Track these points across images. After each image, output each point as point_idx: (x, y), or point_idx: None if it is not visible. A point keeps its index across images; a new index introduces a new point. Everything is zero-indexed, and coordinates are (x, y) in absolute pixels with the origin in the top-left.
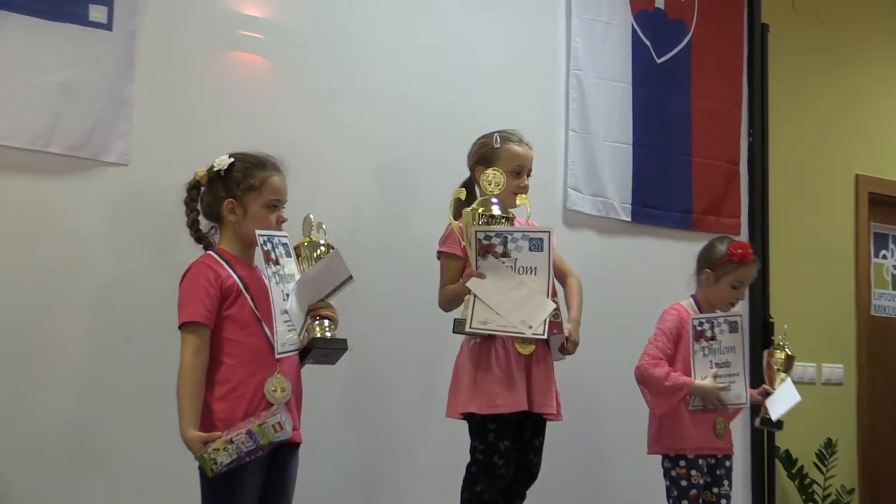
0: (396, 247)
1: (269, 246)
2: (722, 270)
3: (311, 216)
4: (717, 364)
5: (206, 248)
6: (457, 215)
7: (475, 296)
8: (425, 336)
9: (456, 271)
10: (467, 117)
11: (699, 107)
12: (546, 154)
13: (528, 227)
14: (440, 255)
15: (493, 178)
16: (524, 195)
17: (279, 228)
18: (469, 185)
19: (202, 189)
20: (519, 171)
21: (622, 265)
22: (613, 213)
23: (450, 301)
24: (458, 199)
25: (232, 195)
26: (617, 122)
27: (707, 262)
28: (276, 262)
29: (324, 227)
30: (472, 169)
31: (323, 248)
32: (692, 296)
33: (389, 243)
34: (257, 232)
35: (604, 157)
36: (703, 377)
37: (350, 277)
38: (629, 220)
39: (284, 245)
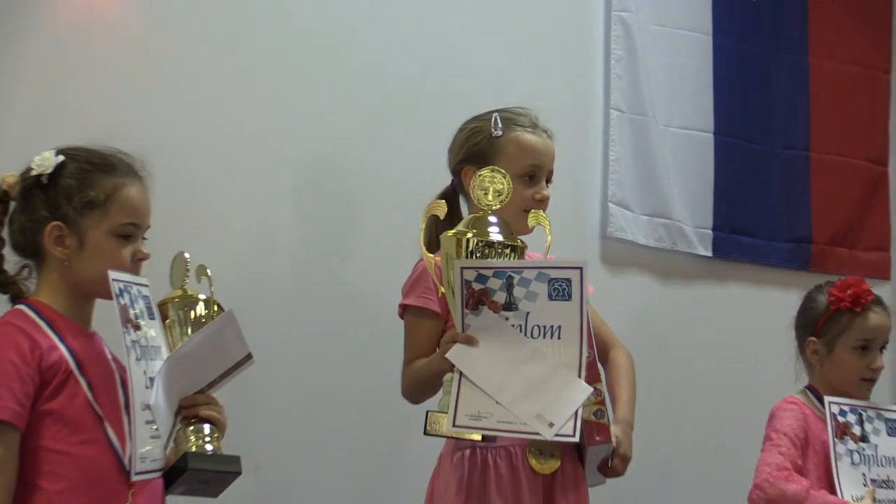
0: (328, 298)
1: (125, 298)
2: (832, 331)
3: (187, 255)
4: (872, 480)
5: (14, 299)
6: (432, 245)
7: (461, 374)
8: (373, 437)
9: (430, 336)
10: (444, 92)
11: (822, 71)
12: (574, 148)
13: (548, 261)
14: (404, 310)
15: (490, 183)
16: (541, 212)
17: (136, 270)
18: (451, 196)
19: (10, 206)
20: (533, 174)
21: (696, 329)
22: (683, 244)
23: (420, 385)
24: (432, 219)
25: (60, 215)
26: (689, 96)
27: (808, 327)
28: (137, 327)
29: (209, 272)
30: (456, 172)
31: (205, 308)
32: (807, 387)
33: (317, 292)
34: (111, 275)
35: (667, 152)
36: (854, 498)
37: (249, 357)
38: (709, 254)
39: (146, 299)
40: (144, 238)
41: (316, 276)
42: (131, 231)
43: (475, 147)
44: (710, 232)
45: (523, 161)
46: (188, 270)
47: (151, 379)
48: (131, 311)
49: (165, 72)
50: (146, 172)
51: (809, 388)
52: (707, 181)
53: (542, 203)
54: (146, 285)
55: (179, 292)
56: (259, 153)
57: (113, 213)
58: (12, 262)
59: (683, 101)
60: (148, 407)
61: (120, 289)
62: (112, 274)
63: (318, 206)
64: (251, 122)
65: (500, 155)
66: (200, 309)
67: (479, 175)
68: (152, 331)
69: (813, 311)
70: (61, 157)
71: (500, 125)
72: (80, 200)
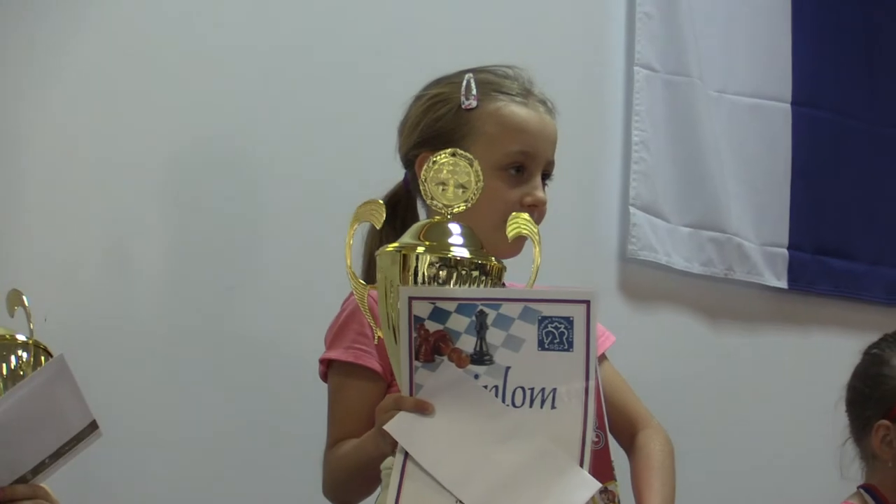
0: (206, 345)
1: None
2: None
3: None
4: None
5: None
6: (368, 269)
7: (405, 458)
8: None
9: (365, 406)
10: (392, 51)
11: None
12: (579, 127)
13: (540, 291)
14: (327, 368)
15: (451, 174)
16: (524, 215)
17: None
18: (402, 199)
19: None
20: (521, 165)
21: (759, 397)
22: (744, 269)
23: (347, 478)
24: (369, 233)
25: None
26: (757, 50)
27: (878, 404)
28: None
29: (26, 301)
30: (408, 161)
31: (26, 354)
32: (863, 487)
33: (191, 336)
34: None
35: (721, 130)
36: None
37: (93, 427)
38: (783, 285)
39: None
40: None
41: (188, 313)
42: None
43: (436, 124)
44: (786, 252)
45: (508, 145)
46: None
47: None
48: None
49: None
50: None
51: (868, 489)
52: (781, 175)
53: (534, 209)
54: None
55: None
56: (110, 151)
57: None
58: None
59: (748, 57)
60: None
61: None
62: None
63: (192, 218)
64: (98, 112)
65: (473, 136)
66: (18, 358)
67: (434, 161)
68: None
69: (888, 383)
70: None
71: (474, 91)
72: None
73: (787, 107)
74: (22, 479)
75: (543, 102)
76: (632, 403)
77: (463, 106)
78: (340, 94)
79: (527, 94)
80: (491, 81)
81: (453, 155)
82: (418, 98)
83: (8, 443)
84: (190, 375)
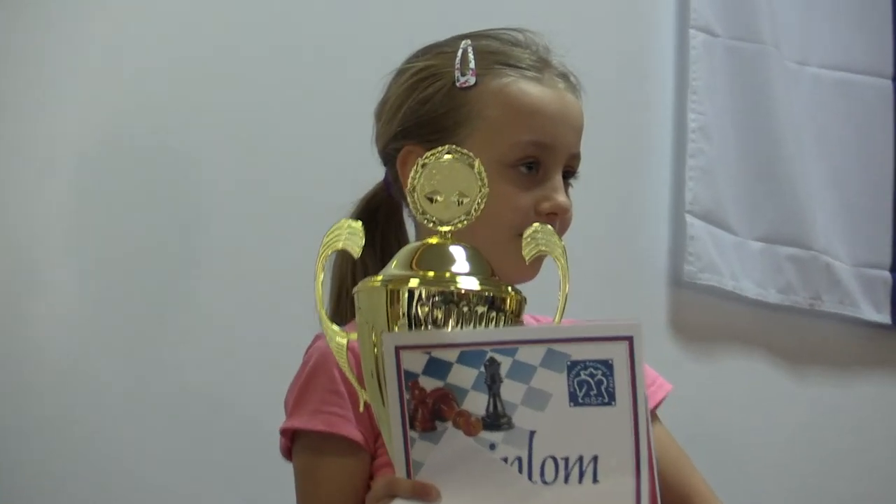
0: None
1: None
2: None
3: None
4: None
5: None
6: (341, 309)
7: None
8: None
9: (342, 488)
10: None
11: None
12: (617, 110)
13: (568, 328)
14: (291, 441)
15: (444, 178)
16: (547, 228)
17: None
18: (382, 208)
19: None
20: (534, 161)
21: (863, 464)
22: (835, 298)
23: None
24: (341, 260)
25: None
26: (849, 16)
27: None
28: None
29: None
30: (388, 156)
31: None
32: None
33: (120, 390)
34: None
35: (802, 111)
36: None
37: None
38: (887, 320)
39: None
40: None
41: (111, 364)
42: None
43: (423, 108)
44: (889, 276)
45: (516, 134)
46: None
47: None
48: None
49: None
50: None
51: None
52: (882, 173)
53: (554, 218)
54: None
55: None
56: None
57: None
58: None
59: (836, 21)
60: None
61: None
62: None
63: (111, 233)
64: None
65: (472, 123)
66: None
67: (423, 165)
68: None
69: None
70: None
71: (472, 64)
72: None
73: (889, 84)
74: None
75: (565, 77)
76: (688, 476)
77: (457, 83)
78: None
79: (542, 66)
80: (495, 51)
81: (450, 152)
82: (400, 73)
83: None
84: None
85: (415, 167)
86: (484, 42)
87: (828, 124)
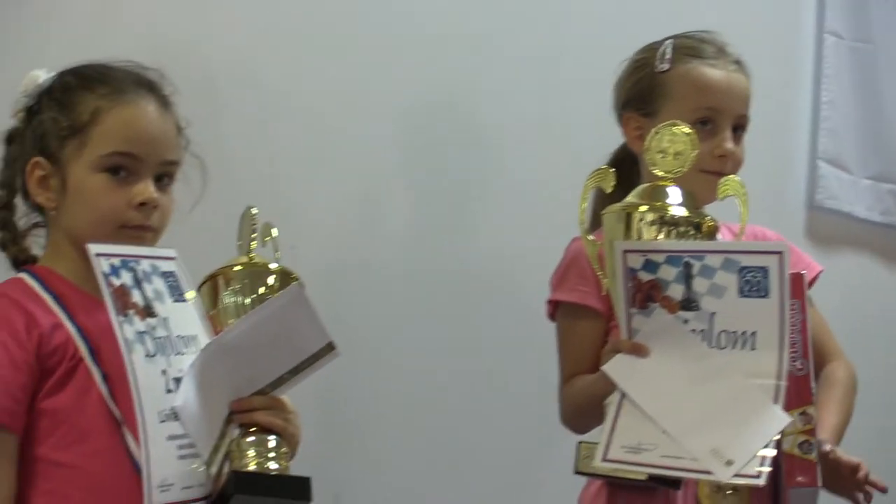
0: (439, 281)
1: (125, 276)
2: None
3: (255, 210)
4: None
5: (20, 265)
6: (592, 223)
7: (622, 395)
8: (500, 462)
9: (592, 342)
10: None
11: None
12: (772, 86)
13: (737, 243)
14: (555, 308)
15: (670, 143)
16: (734, 178)
17: (143, 219)
18: (626, 160)
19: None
20: (708, 120)
21: None
22: None
23: (583, 410)
24: (596, 191)
25: (42, 147)
26: None
27: None
28: (148, 312)
29: (274, 232)
30: (620, 119)
31: (278, 281)
32: None
33: (429, 271)
34: (92, 249)
35: None
36: None
37: (330, 347)
38: None
39: (168, 276)
40: (165, 178)
41: (427, 254)
42: (125, 164)
43: (637, 86)
44: None
45: (694, 102)
46: (255, 231)
47: (177, 379)
48: (135, 294)
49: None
50: (167, 88)
51: None
52: None
53: (724, 161)
54: (170, 257)
55: (244, 260)
56: (354, 104)
57: (96, 139)
58: (26, 219)
59: None
60: (169, 416)
61: (112, 266)
62: (93, 248)
63: (432, 165)
64: (348, 67)
65: (667, 96)
66: (271, 282)
67: (656, 133)
68: (179, 316)
69: None
70: (51, 74)
71: (668, 55)
72: (60, 125)
73: None
74: (261, 392)
75: (737, 62)
76: (826, 337)
77: (656, 70)
78: None
79: (719, 54)
80: (688, 46)
81: (672, 125)
82: (626, 62)
83: (247, 360)
84: (420, 309)
85: (650, 135)
86: (681, 40)
87: None
